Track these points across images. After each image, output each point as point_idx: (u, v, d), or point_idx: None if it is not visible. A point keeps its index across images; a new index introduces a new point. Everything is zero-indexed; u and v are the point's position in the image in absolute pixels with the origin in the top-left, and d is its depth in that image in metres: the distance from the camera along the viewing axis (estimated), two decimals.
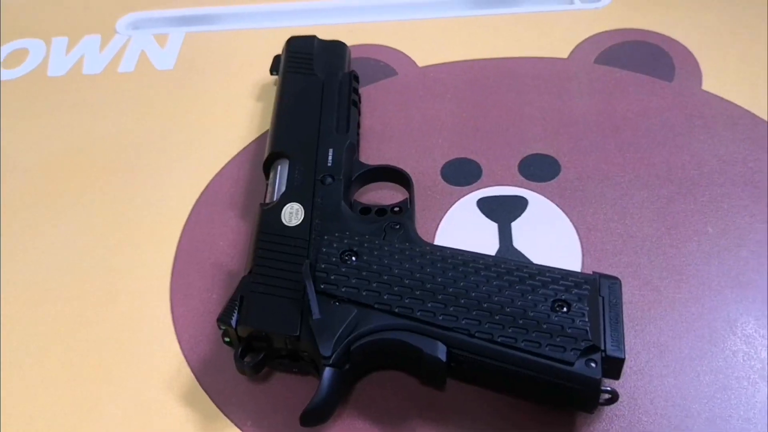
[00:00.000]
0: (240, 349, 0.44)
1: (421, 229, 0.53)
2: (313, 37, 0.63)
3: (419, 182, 0.56)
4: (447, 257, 0.45)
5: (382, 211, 0.51)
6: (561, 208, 0.54)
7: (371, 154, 0.58)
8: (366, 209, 0.51)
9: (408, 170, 0.53)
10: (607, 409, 0.43)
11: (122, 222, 0.56)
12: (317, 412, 0.41)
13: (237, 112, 0.64)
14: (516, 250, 0.52)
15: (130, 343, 0.49)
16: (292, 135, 0.54)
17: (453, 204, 0.55)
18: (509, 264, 0.45)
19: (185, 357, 0.48)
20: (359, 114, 0.59)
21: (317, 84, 0.58)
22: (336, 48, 0.62)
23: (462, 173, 0.57)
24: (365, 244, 0.46)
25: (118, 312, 0.51)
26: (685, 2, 0.69)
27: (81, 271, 0.53)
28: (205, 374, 0.47)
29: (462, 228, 0.54)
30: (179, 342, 0.49)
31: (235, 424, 0.44)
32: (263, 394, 0.46)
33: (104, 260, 0.54)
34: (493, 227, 0.53)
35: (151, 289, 0.52)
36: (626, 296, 0.48)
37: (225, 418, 0.45)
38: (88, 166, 0.60)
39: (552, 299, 0.43)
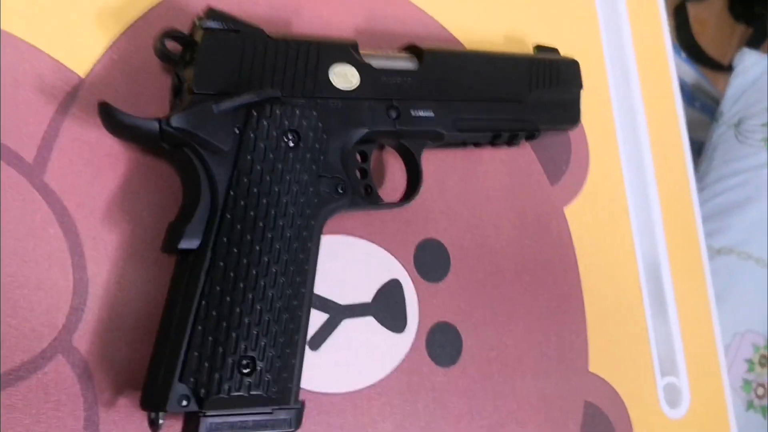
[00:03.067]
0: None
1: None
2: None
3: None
4: (303, 241, 0.42)
5: (365, 172, 0.48)
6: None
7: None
8: (365, 156, 0.48)
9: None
10: None
11: None
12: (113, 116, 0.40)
13: None
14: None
15: None
16: (456, 75, 0.50)
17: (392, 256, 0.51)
18: (302, 296, 0.42)
19: None
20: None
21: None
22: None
23: (432, 259, 0.53)
24: (310, 150, 0.43)
25: None
26: None
27: None
28: None
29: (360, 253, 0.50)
30: None
31: None
32: None
33: None
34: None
35: None
36: None
37: None
38: None
39: (256, 353, 0.40)
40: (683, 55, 1.38)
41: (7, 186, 0.40)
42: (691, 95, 1.30)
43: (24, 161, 0.41)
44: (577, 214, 0.60)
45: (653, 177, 0.66)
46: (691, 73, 1.33)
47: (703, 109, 1.30)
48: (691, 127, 1.23)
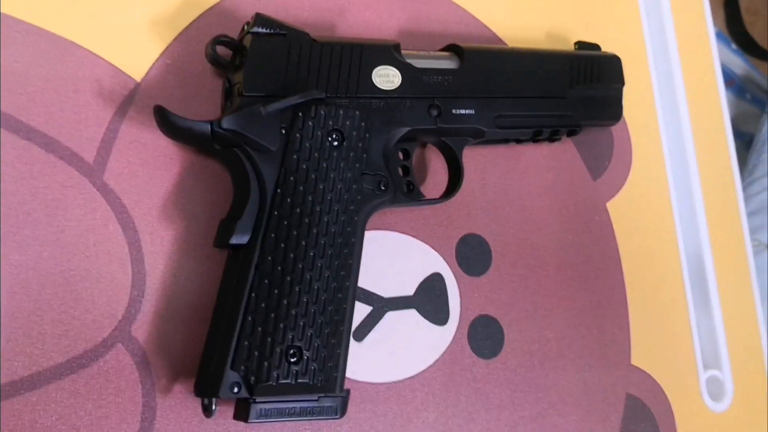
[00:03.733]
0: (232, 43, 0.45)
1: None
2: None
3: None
4: (347, 236, 0.44)
5: (407, 169, 0.49)
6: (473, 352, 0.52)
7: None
8: (407, 153, 0.49)
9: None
10: None
11: None
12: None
13: None
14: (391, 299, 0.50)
15: None
16: (496, 73, 0.51)
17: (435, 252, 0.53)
18: (346, 289, 0.44)
19: None
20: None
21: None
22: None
23: (474, 254, 0.54)
24: (353, 149, 0.45)
25: None
26: None
27: None
28: None
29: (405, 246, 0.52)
30: None
31: None
32: None
33: None
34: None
35: None
36: None
37: None
38: None
39: (302, 343, 0.42)
40: (733, 46, 1.36)
41: (69, 185, 0.43)
42: (741, 87, 1.28)
43: (85, 162, 0.44)
44: (620, 208, 0.61)
45: (696, 171, 0.66)
46: (741, 64, 1.31)
47: (753, 101, 1.28)
48: (742, 119, 1.21)
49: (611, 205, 0.60)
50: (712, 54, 0.70)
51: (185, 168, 0.46)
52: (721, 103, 0.69)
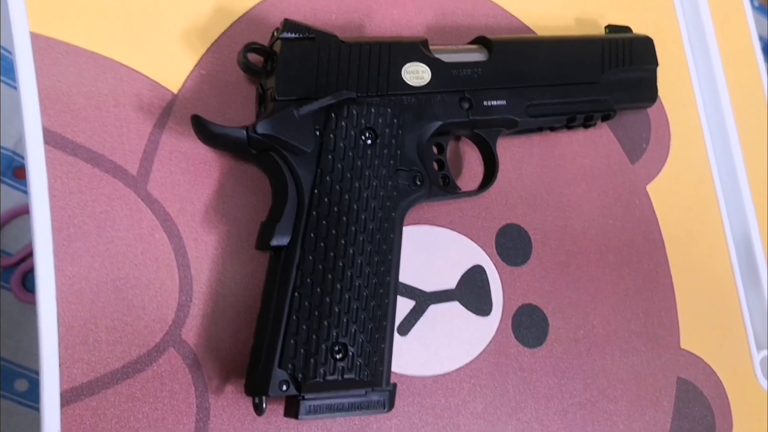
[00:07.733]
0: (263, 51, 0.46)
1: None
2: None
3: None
4: (386, 232, 0.45)
5: (442, 163, 0.50)
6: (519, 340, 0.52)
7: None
8: (441, 147, 0.50)
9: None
10: None
11: None
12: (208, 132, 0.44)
13: None
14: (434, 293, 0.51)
15: None
16: (526, 63, 0.51)
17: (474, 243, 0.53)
18: (387, 284, 0.45)
19: None
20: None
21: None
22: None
23: (514, 244, 0.54)
24: (387, 146, 0.46)
25: None
26: None
27: None
28: None
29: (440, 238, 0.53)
30: None
31: None
32: None
33: None
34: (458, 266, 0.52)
35: None
36: None
37: None
38: None
39: (347, 339, 0.43)
40: None
41: (116, 197, 0.45)
42: None
43: (129, 174, 0.45)
44: (661, 190, 0.60)
45: (739, 148, 0.65)
46: None
47: None
48: None
49: (651, 188, 0.60)
50: (749, 28, 0.69)
51: (224, 174, 0.47)
52: (761, 77, 0.68)
